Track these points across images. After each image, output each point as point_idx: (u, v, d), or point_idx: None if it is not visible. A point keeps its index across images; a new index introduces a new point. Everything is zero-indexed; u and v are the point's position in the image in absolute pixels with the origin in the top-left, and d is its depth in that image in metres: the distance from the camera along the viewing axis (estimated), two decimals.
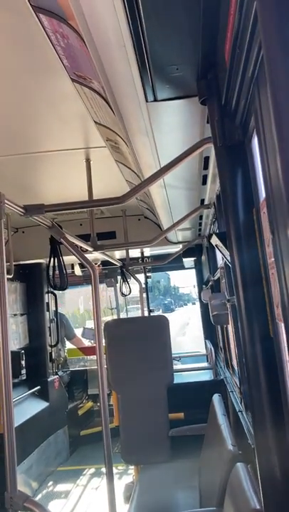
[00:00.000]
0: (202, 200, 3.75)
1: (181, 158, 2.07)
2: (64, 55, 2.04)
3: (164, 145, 2.31)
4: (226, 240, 1.63)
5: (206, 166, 2.79)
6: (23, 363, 5.72)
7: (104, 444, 2.35)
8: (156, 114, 1.92)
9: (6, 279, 1.90)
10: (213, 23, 1.34)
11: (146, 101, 1.80)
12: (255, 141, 1.47)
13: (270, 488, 1.56)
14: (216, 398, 3.89)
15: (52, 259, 2.57)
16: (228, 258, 1.68)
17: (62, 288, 2.57)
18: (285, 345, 1.47)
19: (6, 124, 2.78)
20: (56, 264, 2.59)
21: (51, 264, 2.52)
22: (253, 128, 1.44)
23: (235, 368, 3.95)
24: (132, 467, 5.09)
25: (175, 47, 1.47)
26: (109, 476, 2.33)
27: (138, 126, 2.09)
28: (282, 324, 1.44)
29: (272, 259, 1.32)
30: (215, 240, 1.79)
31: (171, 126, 2.11)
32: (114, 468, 5.91)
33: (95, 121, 2.67)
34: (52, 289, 6.62)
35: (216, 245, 1.87)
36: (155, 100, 1.80)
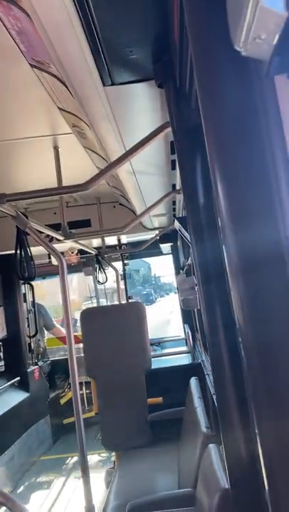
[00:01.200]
0: (173, 185, 3.74)
1: (145, 142, 2.05)
2: (20, 40, 1.99)
3: (127, 129, 2.28)
4: (187, 225, 1.63)
5: (173, 151, 2.77)
6: (1, 354, 5.69)
7: (78, 432, 2.36)
8: (115, 98, 1.89)
9: None
10: (162, 1, 1.31)
11: (104, 85, 1.77)
12: None
13: (236, 468, 1.58)
14: (193, 382, 3.93)
15: (19, 249, 2.53)
16: (190, 243, 1.68)
17: (30, 278, 2.54)
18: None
19: None
20: (24, 254, 2.55)
21: (18, 254, 2.49)
22: None
23: None
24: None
25: (127, 28, 1.44)
26: (84, 464, 2.34)
27: (99, 111, 2.05)
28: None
29: None
30: (177, 225, 1.78)
31: (132, 110, 2.09)
32: (97, 456, 5.98)
33: (58, 107, 2.63)
34: (22, 280, 6.57)
35: (180, 230, 1.86)
36: (113, 84, 1.76)
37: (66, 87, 2.11)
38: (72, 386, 2.35)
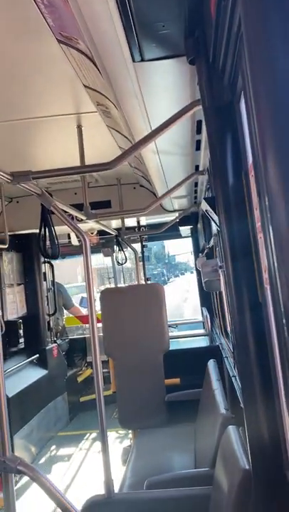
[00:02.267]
0: (196, 167, 3.69)
1: (172, 121, 2.01)
2: (48, 14, 1.96)
3: (154, 108, 2.25)
4: (215, 205, 1.61)
5: (198, 131, 2.73)
6: (21, 332, 5.77)
7: (99, 410, 2.39)
8: (144, 74, 1.86)
9: None
10: None
11: (134, 61, 1.74)
12: (243, 101, 1.43)
13: (258, 450, 1.58)
14: (211, 364, 3.94)
15: (43, 228, 2.54)
16: (218, 224, 1.66)
17: (55, 257, 2.55)
18: (271, 309, 1.47)
19: None
20: (48, 233, 2.56)
21: (42, 233, 2.50)
22: (241, 88, 1.40)
23: (230, 334, 3.98)
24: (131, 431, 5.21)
25: (160, 2, 1.40)
26: (104, 439, 2.37)
27: (126, 88, 2.02)
28: (269, 288, 1.43)
29: (260, 223, 1.30)
30: (205, 206, 1.76)
31: (160, 88, 2.05)
32: (114, 433, 6.07)
33: (84, 85, 2.60)
34: (46, 259, 6.63)
35: (206, 211, 1.84)
36: (142, 60, 1.73)
37: (94, 63, 2.09)
38: (93, 364, 2.38)
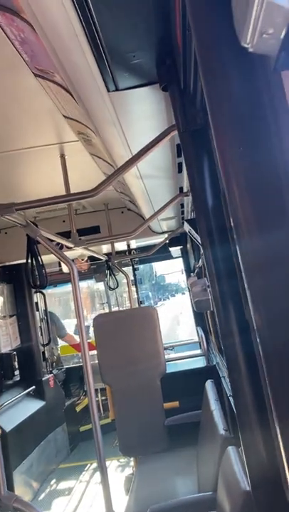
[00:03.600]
0: (180, 188, 3.73)
1: (151, 146, 2.05)
2: (23, 50, 2.00)
3: (133, 134, 2.28)
4: (196, 227, 1.62)
5: (179, 154, 2.77)
6: (15, 364, 5.70)
7: (95, 439, 2.35)
8: (120, 103, 1.90)
9: None
10: (164, 4, 1.32)
11: (108, 91, 1.77)
12: None
13: (257, 470, 1.56)
14: (209, 384, 3.91)
15: (30, 258, 2.54)
16: (200, 245, 1.67)
17: (42, 286, 2.54)
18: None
19: None
20: (35, 263, 2.56)
21: (29, 263, 2.49)
22: None
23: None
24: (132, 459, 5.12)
25: (129, 33, 1.44)
26: (103, 470, 2.33)
27: (104, 117, 2.06)
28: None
29: None
30: (187, 227, 1.78)
31: (137, 115, 2.09)
32: (116, 461, 5.96)
33: (64, 116, 2.64)
34: (35, 289, 6.60)
35: (189, 232, 1.85)
36: (117, 90, 1.77)
37: (71, 94, 2.12)
38: (88, 393, 2.35)
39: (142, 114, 2.08)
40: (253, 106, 0.71)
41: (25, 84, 2.33)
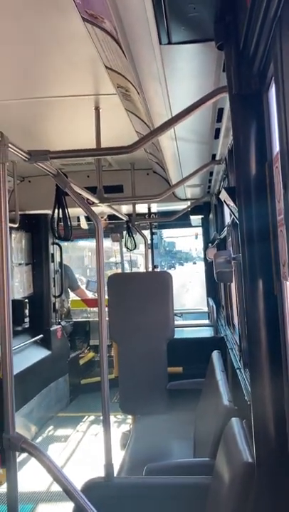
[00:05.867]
0: (213, 156, 3.65)
1: (194, 108, 1.97)
2: None
3: (176, 93, 2.21)
4: (236, 195, 1.58)
5: (219, 119, 2.69)
6: (26, 311, 5.79)
7: (103, 392, 2.39)
8: (169, 58, 1.82)
9: (8, 228, 1.86)
10: None
11: (160, 43, 1.70)
12: (272, 90, 1.39)
13: (263, 443, 1.58)
14: (215, 355, 3.94)
15: (57, 209, 2.52)
16: (236, 214, 1.63)
17: (67, 239, 2.54)
18: (288, 303, 1.45)
19: (12, 65, 2.67)
20: (61, 214, 2.54)
21: (56, 214, 2.48)
22: (272, 76, 1.36)
23: (236, 326, 3.97)
24: (130, 417, 5.24)
25: None
26: (106, 423, 2.38)
27: (150, 71, 1.99)
28: (288, 283, 1.41)
29: (282, 216, 1.28)
30: (224, 195, 1.74)
31: (185, 73, 2.01)
32: (113, 417, 6.12)
33: (105, 66, 2.56)
34: (57, 240, 6.63)
35: (225, 201, 1.81)
36: (169, 43, 1.70)
37: (118, 44, 2.05)
38: (100, 348, 2.38)
39: (190, 72, 2.01)
40: None
41: (70, 28, 2.25)
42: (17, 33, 2.28)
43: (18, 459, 1.86)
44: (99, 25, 2.06)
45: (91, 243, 12.06)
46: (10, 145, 1.82)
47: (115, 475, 2.46)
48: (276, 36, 1.16)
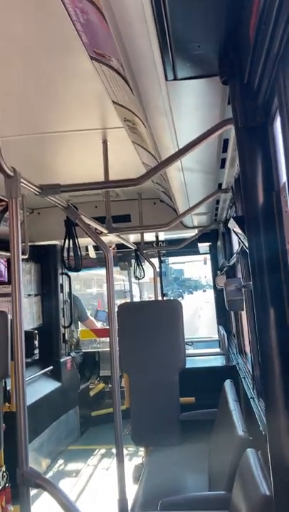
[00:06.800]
0: (220, 185, 3.70)
1: (201, 140, 2.02)
2: (83, 32, 1.99)
3: (182, 126, 2.26)
4: (244, 224, 1.60)
5: (224, 149, 2.74)
6: (36, 342, 5.77)
7: (116, 425, 2.37)
8: (175, 93, 1.88)
9: (20, 262, 1.89)
10: None
11: (166, 80, 1.76)
12: (277, 122, 1.43)
13: (281, 475, 1.55)
14: (228, 384, 3.89)
15: (67, 240, 2.55)
16: (246, 243, 1.65)
17: (77, 269, 2.56)
18: None
19: (24, 103, 2.75)
20: (71, 245, 2.58)
21: (66, 245, 2.51)
22: (276, 108, 1.40)
23: (248, 354, 3.93)
24: (142, 449, 5.14)
25: (198, 23, 1.42)
26: (120, 456, 2.35)
27: (157, 106, 2.04)
28: None
29: None
30: (232, 224, 1.76)
31: (190, 107, 2.07)
32: (124, 450, 6.02)
33: (113, 101, 2.63)
34: (66, 271, 6.65)
35: (233, 230, 1.84)
36: (175, 79, 1.75)
37: (125, 80, 2.11)
38: (112, 379, 2.37)
39: (196, 105, 2.06)
40: None
41: (78, 66, 2.33)
42: (27, 70, 2.37)
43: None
44: (106, 63, 2.13)
45: (99, 272, 12.07)
46: (23, 180, 1.86)
47: (129, 510, 2.41)
48: (279, 71, 1.20)
